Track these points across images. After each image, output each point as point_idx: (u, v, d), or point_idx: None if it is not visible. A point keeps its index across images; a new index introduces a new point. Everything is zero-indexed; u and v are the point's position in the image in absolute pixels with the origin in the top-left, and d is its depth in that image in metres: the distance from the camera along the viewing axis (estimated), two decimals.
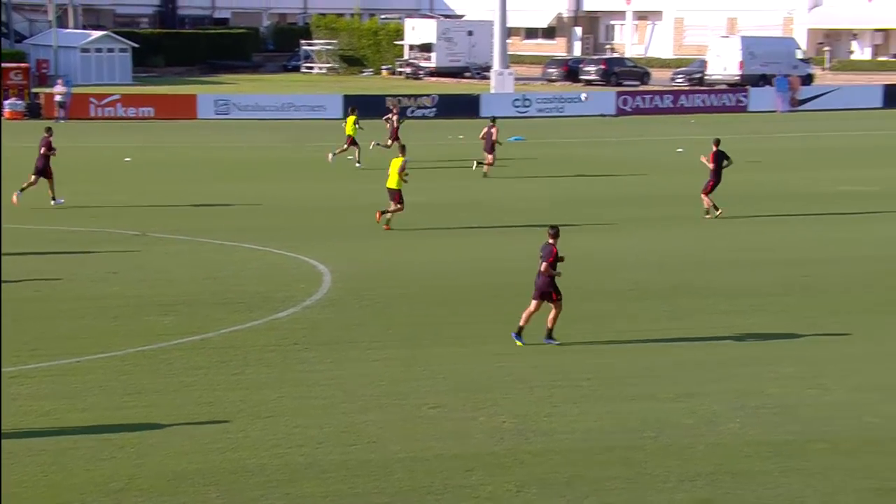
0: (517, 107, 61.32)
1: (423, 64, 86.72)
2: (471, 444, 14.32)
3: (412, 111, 60.17)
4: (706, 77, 77.03)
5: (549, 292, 18.27)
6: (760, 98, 65.15)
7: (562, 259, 18.42)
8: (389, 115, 41.24)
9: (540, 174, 39.10)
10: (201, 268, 23.93)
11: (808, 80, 72.78)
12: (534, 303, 18.39)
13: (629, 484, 13.12)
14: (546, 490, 12.97)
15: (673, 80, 79.78)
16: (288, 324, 19.81)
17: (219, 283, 22.70)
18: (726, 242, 27.14)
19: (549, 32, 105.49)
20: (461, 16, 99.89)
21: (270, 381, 16.68)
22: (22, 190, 31.07)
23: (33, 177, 31.11)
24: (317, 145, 45.51)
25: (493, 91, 66.55)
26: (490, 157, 38.10)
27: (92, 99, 57.51)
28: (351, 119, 39.80)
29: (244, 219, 30.01)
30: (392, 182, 28.03)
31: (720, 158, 30.04)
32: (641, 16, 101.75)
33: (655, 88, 72.14)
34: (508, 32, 75.55)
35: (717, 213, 30.01)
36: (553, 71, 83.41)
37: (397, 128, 40.41)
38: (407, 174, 28.20)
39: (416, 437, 14.53)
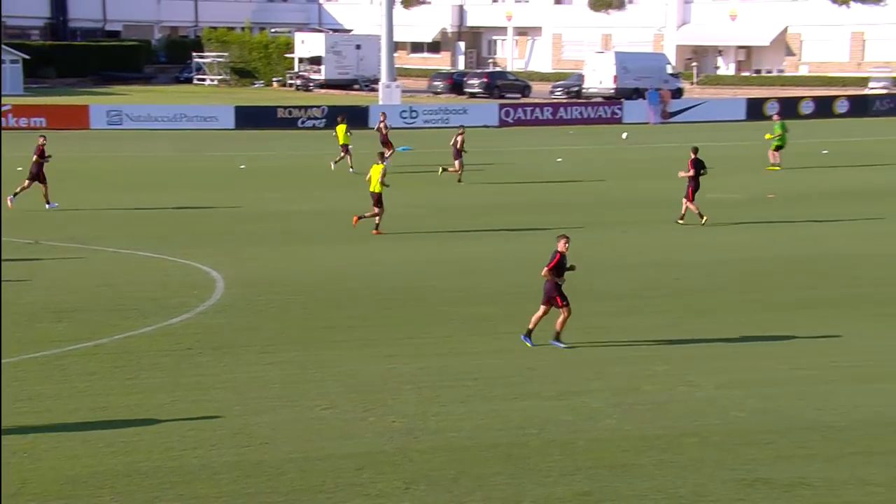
0: (404, 118, 61.37)
1: (313, 76, 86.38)
2: (361, 443, 14.27)
3: (303, 122, 59.92)
4: (583, 90, 78.01)
5: (554, 297, 18.19)
6: (634, 110, 66.19)
7: (571, 268, 18.39)
8: (379, 126, 42.15)
9: (427, 183, 39.18)
10: (95, 275, 23.44)
11: (677, 93, 74.16)
12: (542, 307, 18.36)
13: (513, 479, 13.20)
14: (434, 487, 12.98)
15: (552, 93, 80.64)
16: (181, 329, 19.51)
17: (113, 290, 22.27)
18: (603, 247, 27.47)
19: (434, 47, 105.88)
20: (349, 30, 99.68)
21: (164, 385, 16.41)
22: (15, 194, 31.43)
23: (27, 182, 31.69)
24: (210, 154, 44.99)
25: (381, 102, 66.52)
26: (457, 163, 38.33)
27: None
28: (342, 128, 40.46)
29: (139, 226, 29.51)
30: (374, 187, 28.29)
31: (698, 166, 30.23)
32: (522, 31, 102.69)
33: (536, 101, 72.87)
34: (395, 46, 75.71)
35: (703, 220, 30.05)
36: (438, 84, 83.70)
37: (386, 134, 41.33)
38: (388, 182, 28.54)
39: (309, 437, 14.43)
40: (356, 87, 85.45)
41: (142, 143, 51.66)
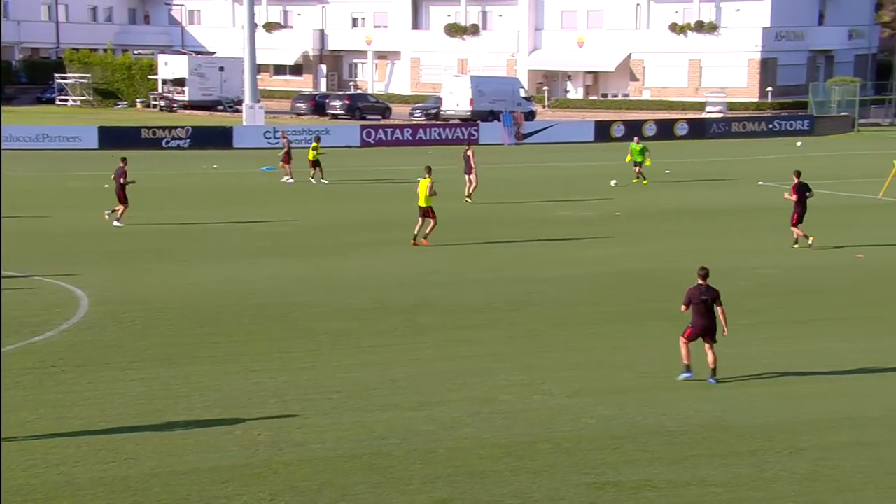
0: (268, 138, 60.84)
1: (177, 97, 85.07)
2: (227, 456, 14.06)
3: (167, 142, 58.92)
4: (441, 112, 78.52)
5: (712, 332, 17.34)
6: (489, 132, 66.88)
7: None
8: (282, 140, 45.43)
9: (290, 201, 38.90)
10: None
11: (530, 116, 75.21)
12: (685, 342, 17.48)
13: (375, 488, 13.17)
14: (298, 497, 12.87)
15: (412, 114, 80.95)
16: (45, 347, 18.95)
17: None
18: (460, 263, 27.68)
19: (296, 69, 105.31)
20: (213, 52, 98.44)
21: (27, 403, 15.91)
22: (113, 211, 32.64)
23: (120, 206, 32.49)
24: (74, 174, 43.84)
25: (244, 123, 65.84)
26: (472, 178, 38.56)
27: None
28: (314, 146, 43.38)
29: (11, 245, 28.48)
30: (422, 201, 29.41)
31: (802, 190, 29.05)
32: (381, 55, 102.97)
33: (396, 122, 73.03)
34: (258, 69, 75.06)
35: (809, 241, 29.10)
36: (301, 105, 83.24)
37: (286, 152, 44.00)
38: (435, 191, 29.59)
39: (174, 452, 14.15)
40: (220, 108, 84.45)
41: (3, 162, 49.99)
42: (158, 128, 60.75)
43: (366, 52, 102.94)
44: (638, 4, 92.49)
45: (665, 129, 68.38)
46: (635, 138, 47.56)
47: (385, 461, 13.99)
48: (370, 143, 63.10)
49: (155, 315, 21.46)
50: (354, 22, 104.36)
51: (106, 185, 41.39)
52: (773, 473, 13.69)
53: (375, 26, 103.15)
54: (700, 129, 70.42)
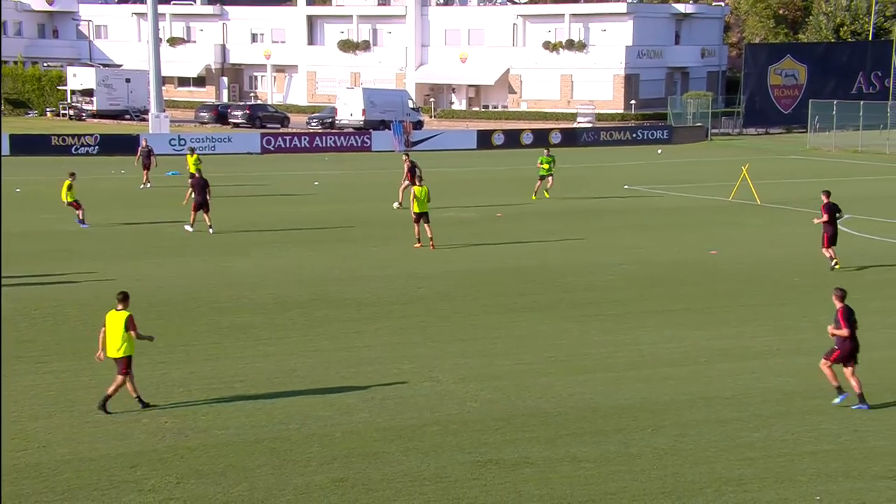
0: (173, 145, 59.77)
1: (86, 107, 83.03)
2: (135, 443, 13.79)
3: (76, 149, 57.49)
4: (336, 121, 78.09)
5: (855, 355, 15.61)
6: (381, 140, 66.76)
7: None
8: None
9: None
10: None
11: (418, 125, 75.31)
12: (829, 364, 15.69)
13: (276, 470, 13.05)
14: (203, 480, 12.68)
15: (308, 123, 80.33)
16: None
17: None
18: (354, 260, 27.58)
19: (199, 81, 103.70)
20: (119, 65, 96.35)
21: None
22: (191, 224, 31.34)
23: (206, 216, 31.14)
24: None
25: (151, 132, 64.57)
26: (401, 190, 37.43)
27: None
28: (191, 158, 39.67)
29: None
30: (420, 207, 29.12)
31: (833, 210, 25.99)
32: (280, 69, 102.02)
33: (294, 131, 72.38)
34: (163, 80, 73.70)
35: (834, 263, 26.13)
36: (204, 114, 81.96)
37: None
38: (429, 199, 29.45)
39: (84, 440, 13.83)
40: (127, 116, 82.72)
41: None
42: (68, 135, 59.17)
43: (265, 65, 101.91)
44: (515, 24, 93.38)
45: (541, 138, 69.06)
46: (546, 150, 42.03)
47: (285, 445, 13.88)
48: (270, 150, 62.45)
49: (65, 311, 20.92)
50: (254, 38, 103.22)
51: (18, 190, 40.25)
52: (638, 449, 13.96)
53: (273, 41, 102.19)
54: (572, 137, 71.34)
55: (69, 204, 32.27)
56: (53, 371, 16.78)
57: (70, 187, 32.32)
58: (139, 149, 43.67)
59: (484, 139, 68.88)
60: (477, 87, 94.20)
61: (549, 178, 41.11)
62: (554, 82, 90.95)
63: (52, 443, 13.67)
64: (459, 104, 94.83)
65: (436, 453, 13.71)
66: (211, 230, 30.87)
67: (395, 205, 37.65)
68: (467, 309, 22.20)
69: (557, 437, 14.37)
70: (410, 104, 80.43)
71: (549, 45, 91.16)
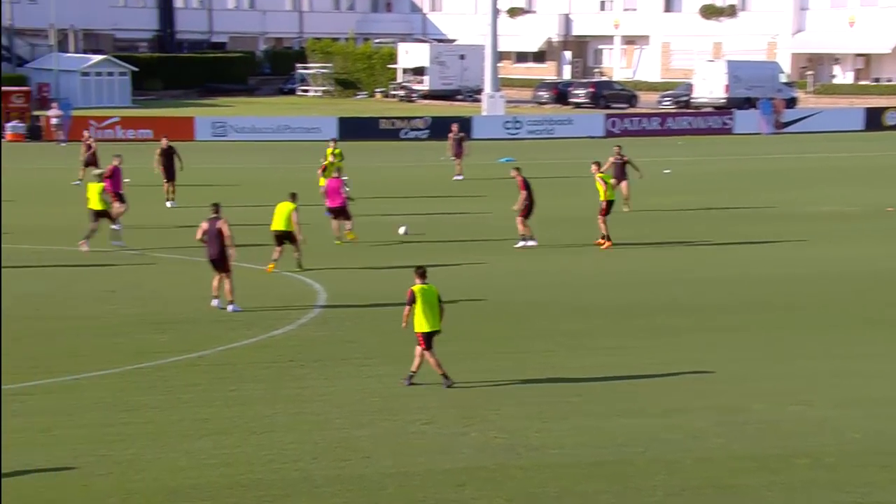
0: (508, 129, 61.42)
1: (416, 87, 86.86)
2: (461, 458, 14.30)
3: (405, 133, 60.31)
4: (692, 100, 77.21)
5: None
6: (745, 121, 65.31)
7: None
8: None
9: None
10: (198, 286, 23.82)
11: (791, 103, 72.97)
12: None
13: (617, 498, 13.11)
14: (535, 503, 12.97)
15: (660, 102, 79.99)
16: (283, 341, 19.79)
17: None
18: (708, 261, 27.15)
19: (539, 56, 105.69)
20: (453, 40, 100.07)
21: (265, 397, 16.66)
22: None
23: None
24: (309, 166, 45.37)
25: (484, 113, 66.65)
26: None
27: (91, 121, 57.47)
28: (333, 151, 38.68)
29: (245, 238, 29.80)
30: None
31: None
32: (629, 40, 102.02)
33: (643, 111, 72.32)
34: (499, 56, 75.72)
35: None
36: (543, 94, 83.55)
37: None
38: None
39: (408, 452, 14.51)
40: (459, 97, 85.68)
41: (246, 154, 52.51)
42: (397, 118, 62.24)
43: (612, 37, 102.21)
44: None
45: None
46: None
47: (627, 469, 13.91)
48: (614, 133, 62.65)
49: (389, 310, 21.98)
50: (602, 5, 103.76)
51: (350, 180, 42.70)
52: None
53: (624, 10, 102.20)
54: None
55: (100, 213, 27.68)
56: (377, 376, 17.70)
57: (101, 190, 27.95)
58: (450, 135, 44.68)
59: (873, 119, 65.71)
60: (866, 57, 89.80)
61: None
62: None
63: (376, 454, 14.44)
64: (843, 77, 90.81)
65: (806, 490, 13.27)
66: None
67: None
68: (843, 320, 21.27)
69: None
70: (782, 78, 78.11)
71: None
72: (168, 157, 35.18)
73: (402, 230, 28.76)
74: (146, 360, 18.38)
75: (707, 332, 20.45)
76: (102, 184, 28.26)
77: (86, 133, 42.06)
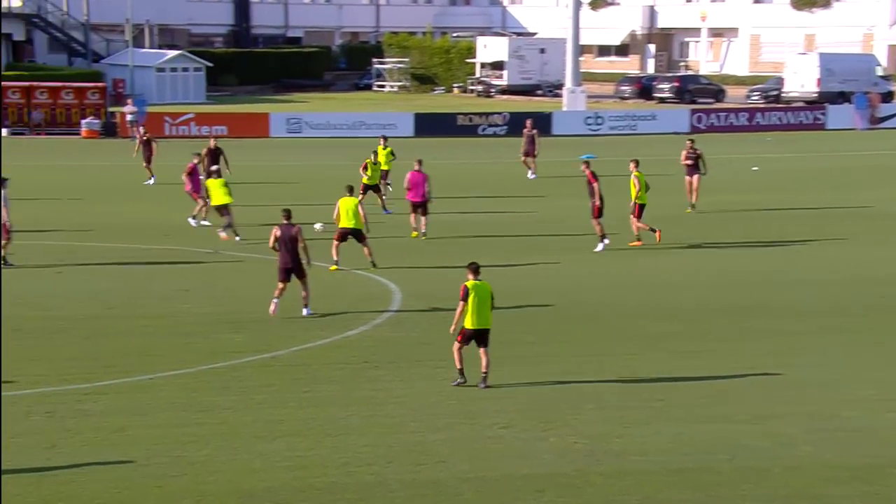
0: (589, 124, 61.17)
1: (495, 82, 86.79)
2: (540, 464, 14.27)
3: (483, 129, 60.30)
4: (783, 94, 76.25)
5: None
6: (839, 116, 64.33)
7: None
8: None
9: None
10: (271, 286, 24.01)
11: (888, 97, 71.73)
12: None
13: None
14: None
15: (748, 97, 79.07)
16: (357, 342, 19.90)
17: (290, 300, 22.80)
18: (798, 261, 26.81)
19: (622, 50, 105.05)
20: (533, 33, 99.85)
21: (339, 398, 16.77)
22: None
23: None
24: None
25: (564, 109, 66.45)
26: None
27: (166, 118, 58.30)
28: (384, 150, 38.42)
29: (318, 237, 30.06)
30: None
31: None
32: (717, 32, 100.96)
33: (730, 106, 71.54)
34: (581, 50, 75.42)
35: None
36: (626, 88, 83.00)
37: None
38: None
39: (486, 456, 14.50)
40: (539, 92, 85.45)
41: (321, 151, 52.86)
42: (475, 114, 62.23)
43: (699, 29, 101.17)
44: None
45: None
46: None
47: (713, 478, 13.78)
48: (700, 129, 62.02)
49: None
50: None
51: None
52: None
53: (712, 1, 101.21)
54: None
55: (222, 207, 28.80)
56: (452, 378, 17.72)
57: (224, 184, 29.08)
58: (524, 131, 44.39)
59: None
60: None
61: None
62: None
63: (452, 458, 14.46)
64: None
65: None
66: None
67: None
68: None
69: None
70: (879, 71, 76.78)
71: None
72: (214, 158, 33.84)
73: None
74: (220, 360, 18.59)
75: (797, 336, 20.20)
76: (222, 178, 29.42)
77: (141, 129, 42.48)
